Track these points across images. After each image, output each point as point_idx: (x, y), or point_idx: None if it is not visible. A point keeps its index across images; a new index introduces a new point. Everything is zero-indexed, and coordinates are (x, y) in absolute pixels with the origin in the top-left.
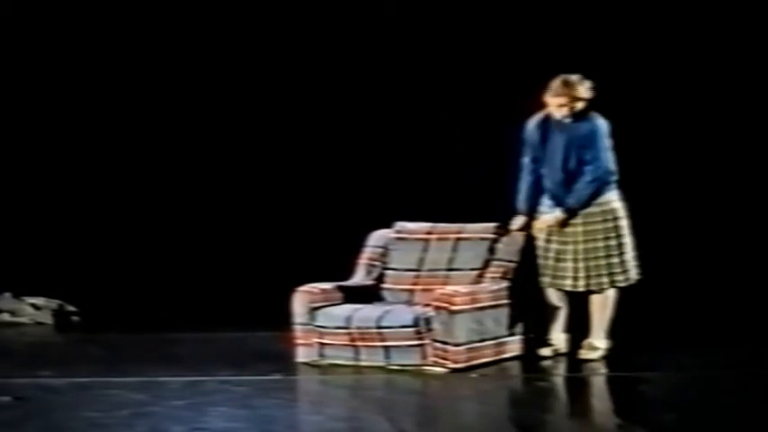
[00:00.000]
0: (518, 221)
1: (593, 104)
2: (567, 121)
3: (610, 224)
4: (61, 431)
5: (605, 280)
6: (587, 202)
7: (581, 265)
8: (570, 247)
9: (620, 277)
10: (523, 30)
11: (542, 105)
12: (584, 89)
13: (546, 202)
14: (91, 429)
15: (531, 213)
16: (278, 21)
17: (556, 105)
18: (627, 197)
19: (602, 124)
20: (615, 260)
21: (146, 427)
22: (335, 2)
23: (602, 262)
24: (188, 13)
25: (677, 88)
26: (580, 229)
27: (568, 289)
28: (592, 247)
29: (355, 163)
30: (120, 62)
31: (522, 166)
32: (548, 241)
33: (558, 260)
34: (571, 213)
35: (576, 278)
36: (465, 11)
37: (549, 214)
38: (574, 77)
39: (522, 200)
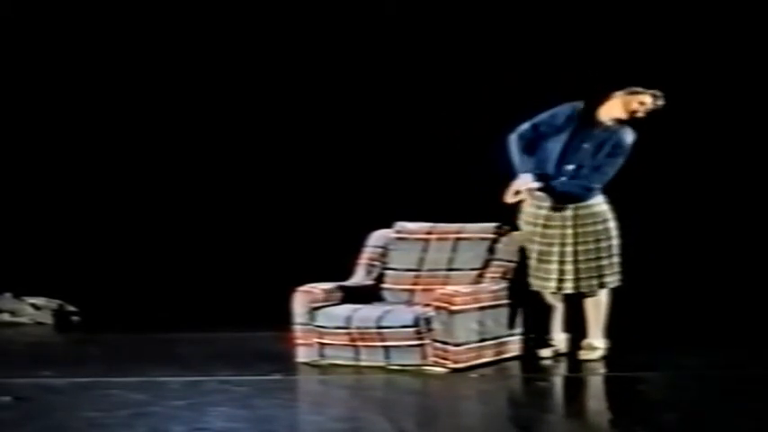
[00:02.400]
0: (526, 181)
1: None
2: (610, 123)
3: (600, 226)
4: (61, 431)
5: (595, 282)
6: (564, 200)
7: (569, 267)
8: (556, 249)
9: (609, 279)
10: (523, 30)
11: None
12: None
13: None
14: (91, 429)
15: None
16: (278, 21)
17: (629, 109)
18: (627, 198)
19: (632, 140)
20: (605, 262)
21: (146, 427)
22: (335, 2)
23: (593, 264)
24: (188, 13)
25: (672, 88)
26: (570, 231)
27: (552, 291)
28: (583, 249)
29: (355, 163)
30: (120, 62)
31: (521, 133)
32: (530, 241)
33: (540, 261)
34: (543, 190)
35: (561, 280)
36: (465, 11)
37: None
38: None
39: (521, 161)
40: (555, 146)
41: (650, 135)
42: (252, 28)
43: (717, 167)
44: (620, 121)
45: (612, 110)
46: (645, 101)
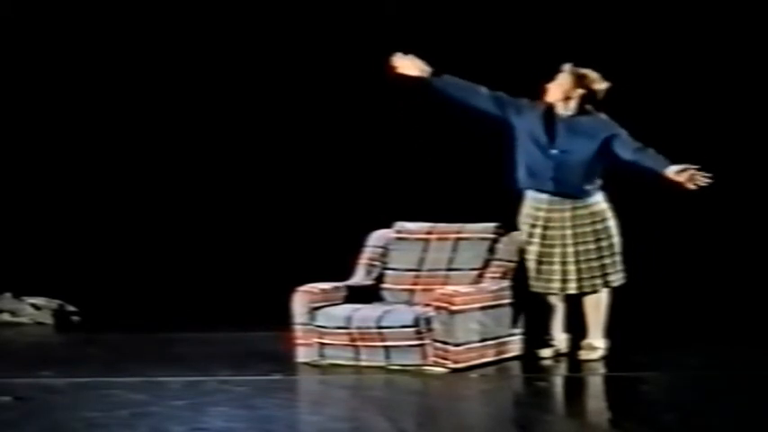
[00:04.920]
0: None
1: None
2: (574, 116)
3: (599, 225)
4: (61, 431)
5: (599, 281)
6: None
7: (571, 267)
8: (558, 250)
9: (613, 277)
10: (524, 29)
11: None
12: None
13: (533, 194)
14: (91, 429)
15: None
16: (278, 21)
17: (566, 103)
18: (627, 197)
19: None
20: (608, 261)
21: (146, 427)
22: (335, 2)
23: (595, 264)
24: (188, 13)
25: (673, 84)
26: (569, 231)
27: (555, 292)
28: (583, 250)
29: (355, 163)
30: (120, 62)
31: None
32: (528, 243)
33: (541, 263)
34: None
35: (565, 281)
36: (465, 11)
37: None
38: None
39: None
40: (533, 129)
41: (650, 134)
42: (252, 28)
43: (717, 167)
44: (582, 107)
45: (561, 90)
46: (593, 84)
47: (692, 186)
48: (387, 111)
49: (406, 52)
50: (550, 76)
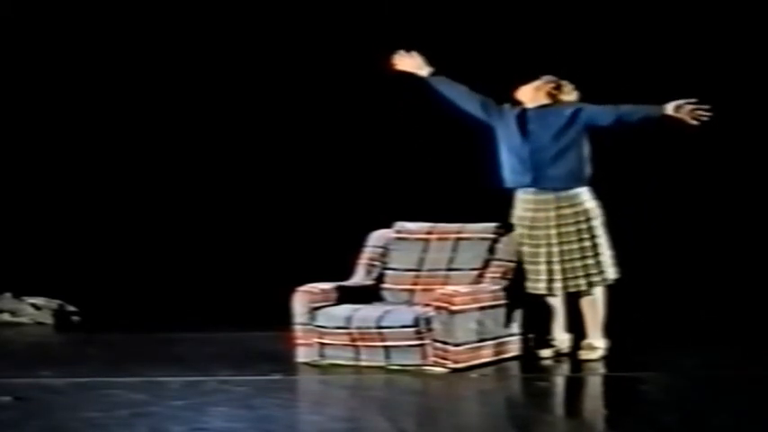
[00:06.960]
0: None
1: None
2: (544, 106)
3: (583, 225)
4: (61, 431)
5: (582, 281)
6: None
7: (556, 267)
8: (543, 250)
9: (597, 278)
10: (523, 30)
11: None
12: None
13: (520, 195)
14: (91, 429)
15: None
16: (277, 21)
17: (534, 95)
18: (627, 197)
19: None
20: (590, 261)
21: (146, 427)
22: (335, 2)
23: (578, 264)
24: (188, 13)
25: (671, 81)
26: (554, 231)
27: (543, 292)
28: (567, 249)
29: (355, 163)
30: (119, 62)
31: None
32: (520, 244)
33: (530, 263)
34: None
35: (551, 281)
36: (464, 11)
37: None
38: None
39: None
40: (512, 128)
41: (650, 133)
42: (251, 28)
43: (717, 166)
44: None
45: (531, 86)
46: (563, 86)
47: (693, 122)
48: (387, 111)
49: (407, 50)
50: (529, 81)
